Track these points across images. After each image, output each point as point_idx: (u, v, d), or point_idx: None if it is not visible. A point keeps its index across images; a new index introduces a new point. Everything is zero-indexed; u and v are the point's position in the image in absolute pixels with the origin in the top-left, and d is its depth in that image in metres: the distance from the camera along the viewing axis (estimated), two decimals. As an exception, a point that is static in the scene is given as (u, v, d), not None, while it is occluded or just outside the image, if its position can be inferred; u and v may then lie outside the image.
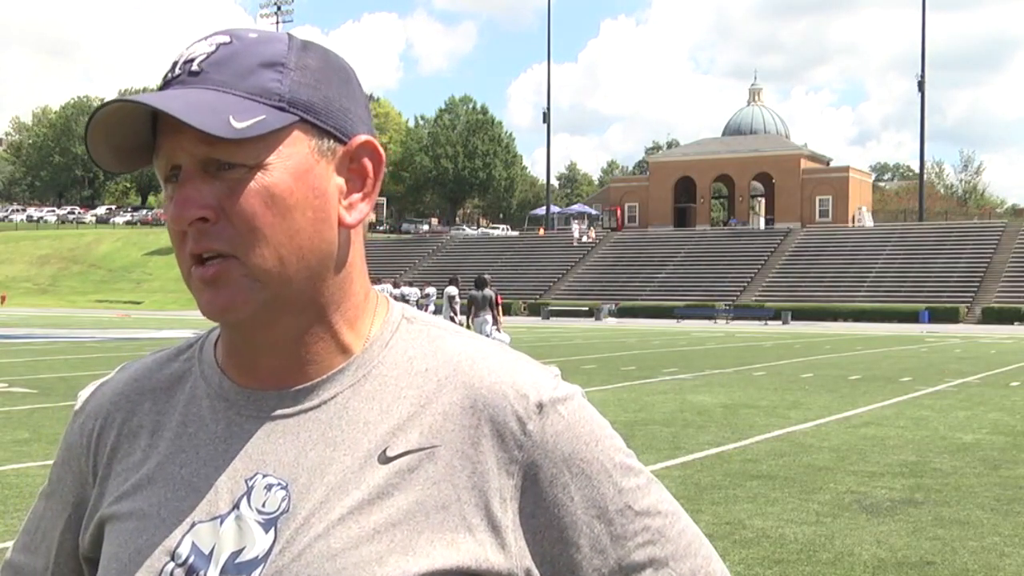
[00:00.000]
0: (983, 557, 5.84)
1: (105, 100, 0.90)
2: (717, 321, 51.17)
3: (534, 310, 57.50)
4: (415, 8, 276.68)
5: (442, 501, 0.90)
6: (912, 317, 50.27)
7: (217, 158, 0.89)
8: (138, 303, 67.05)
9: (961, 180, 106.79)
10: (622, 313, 55.15)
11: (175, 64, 0.94)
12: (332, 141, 0.94)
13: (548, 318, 53.10)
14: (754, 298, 58.02)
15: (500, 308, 21.81)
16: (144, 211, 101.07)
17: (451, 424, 0.93)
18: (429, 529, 0.90)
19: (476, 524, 0.91)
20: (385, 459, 0.92)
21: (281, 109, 0.91)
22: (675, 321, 50.37)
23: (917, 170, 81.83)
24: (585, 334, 35.58)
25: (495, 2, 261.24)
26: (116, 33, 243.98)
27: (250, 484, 0.93)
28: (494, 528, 0.91)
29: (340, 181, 0.95)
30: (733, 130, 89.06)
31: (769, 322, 49.79)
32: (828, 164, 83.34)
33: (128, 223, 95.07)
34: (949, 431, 11.00)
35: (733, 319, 52.12)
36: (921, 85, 73.14)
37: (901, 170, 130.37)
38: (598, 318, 51.78)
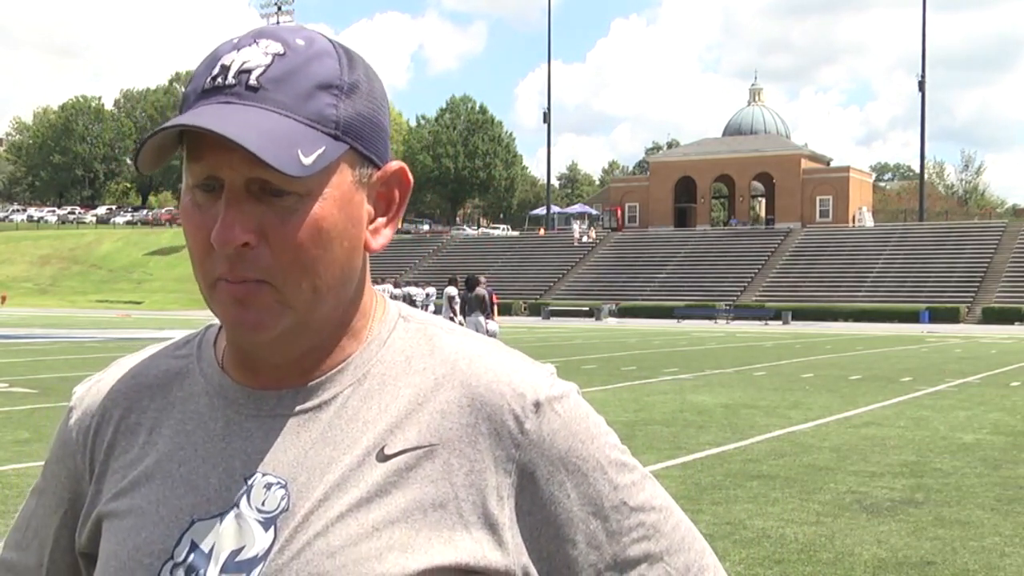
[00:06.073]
0: (983, 557, 5.84)
1: (172, 120, 0.85)
2: (717, 321, 51.14)
3: (534, 310, 57.48)
4: (426, 8, 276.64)
5: (439, 499, 0.91)
6: (912, 317, 50.25)
7: (266, 180, 0.87)
8: (139, 303, 67.03)
9: (962, 180, 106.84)
10: (622, 313, 55.14)
11: (226, 69, 0.89)
12: (370, 167, 0.93)
13: (548, 318, 53.08)
14: (754, 298, 58.00)
15: (496, 308, 21.95)
16: (144, 211, 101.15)
17: (449, 422, 0.93)
18: (427, 527, 0.90)
19: (473, 522, 0.91)
20: (383, 457, 0.92)
21: (336, 138, 0.89)
22: (675, 321, 50.34)
23: (918, 170, 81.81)
24: (585, 334, 35.56)
25: (506, 2, 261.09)
26: (125, 34, 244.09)
27: (249, 483, 0.93)
28: (491, 526, 0.92)
29: (369, 207, 0.95)
30: (733, 130, 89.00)
31: (769, 322, 49.74)
32: (828, 164, 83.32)
33: (128, 223, 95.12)
34: (949, 431, 11.00)
35: (733, 319, 52.07)
36: (921, 85, 73.14)
37: (902, 170, 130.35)
38: (598, 318, 51.76)
